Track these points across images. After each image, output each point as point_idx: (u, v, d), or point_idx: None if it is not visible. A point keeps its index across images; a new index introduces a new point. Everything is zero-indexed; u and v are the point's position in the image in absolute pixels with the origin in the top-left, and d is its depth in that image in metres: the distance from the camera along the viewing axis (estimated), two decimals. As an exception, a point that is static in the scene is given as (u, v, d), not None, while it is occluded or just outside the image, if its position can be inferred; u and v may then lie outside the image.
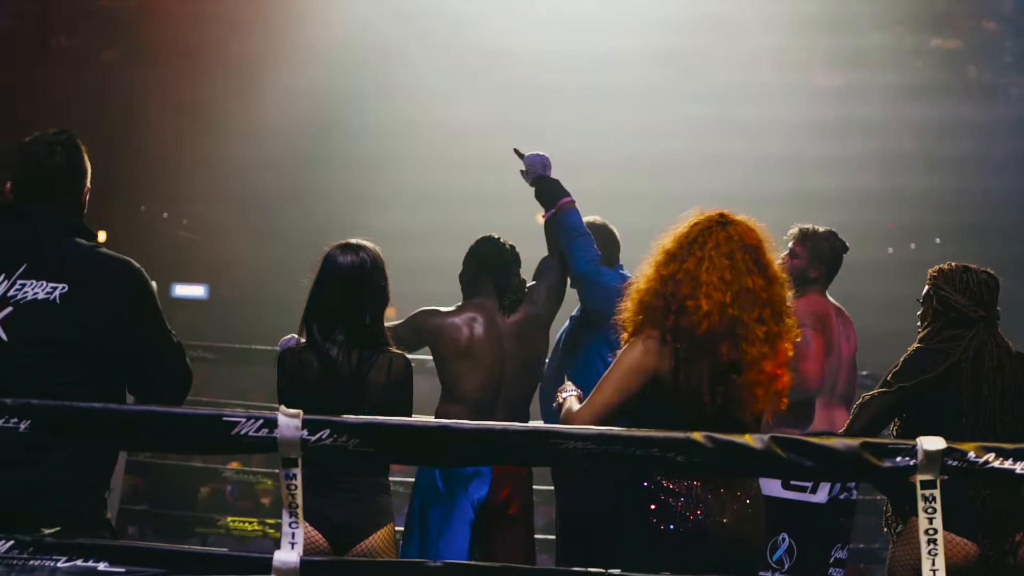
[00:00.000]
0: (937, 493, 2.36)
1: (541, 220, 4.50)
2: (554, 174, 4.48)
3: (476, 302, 4.32)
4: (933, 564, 2.37)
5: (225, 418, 2.44)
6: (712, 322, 2.97)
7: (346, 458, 2.43)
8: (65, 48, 12.24)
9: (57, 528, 2.73)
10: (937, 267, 3.82)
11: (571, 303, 4.53)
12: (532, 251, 4.47)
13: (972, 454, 2.36)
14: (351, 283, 3.48)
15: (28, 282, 2.87)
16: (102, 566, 2.41)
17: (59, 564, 2.42)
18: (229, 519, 7.17)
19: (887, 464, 2.38)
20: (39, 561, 2.42)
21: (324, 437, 2.41)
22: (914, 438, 2.38)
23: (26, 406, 2.46)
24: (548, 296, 4.38)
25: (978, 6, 11.84)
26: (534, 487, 4.46)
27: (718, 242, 3.04)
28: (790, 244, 4.68)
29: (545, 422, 4.28)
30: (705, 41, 10.94)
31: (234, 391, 10.77)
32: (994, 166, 11.41)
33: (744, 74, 11.21)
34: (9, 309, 2.85)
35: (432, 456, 2.80)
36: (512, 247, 4.39)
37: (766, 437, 2.41)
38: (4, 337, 2.83)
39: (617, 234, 4.62)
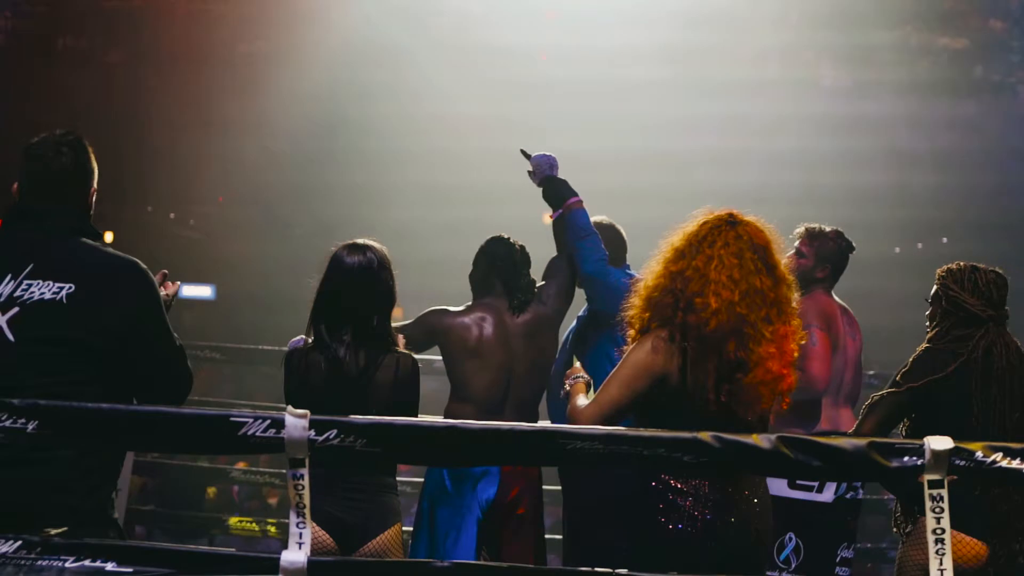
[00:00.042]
0: (945, 493, 2.35)
1: (548, 220, 4.50)
2: (561, 170, 4.48)
3: (485, 302, 4.32)
4: (941, 564, 2.36)
5: (232, 418, 2.44)
6: (720, 320, 2.98)
7: (353, 458, 2.43)
8: (72, 49, 12.26)
9: (64, 528, 2.74)
10: (946, 267, 3.81)
11: (578, 303, 4.53)
12: (539, 248, 4.48)
13: (980, 454, 2.36)
14: (358, 283, 3.49)
15: (35, 282, 2.87)
16: (110, 566, 2.42)
17: (67, 564, 2.42)
18: (234, 519, 7.18)
19: (895, 464, 2.37)
20: (47, 561, 2.42)
21: (331, 437, 2.41)
22: (923, 438, 2.38)
23: (33, 406, 2.46)
24: (557, 296, 4.38)
25: (986, 5, 11.82)
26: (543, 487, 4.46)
27: (727, 241, 3.05)
28: (796, 244, 4.67)
29: (552, 422, 4.28)
30: (713, 38, 10.93)
31: (241, 391, 10.79)
32: (1001, 164, 11.40)
33: (752, 71, 11.21)
34: (16, 309, 2.85)
35: (439, 456, 2.80)
36: (522, 247, 4.39)
37: (773, 437, 2.41)
38: (11, 337, 2.83)
39: (624, 234, 4.62)
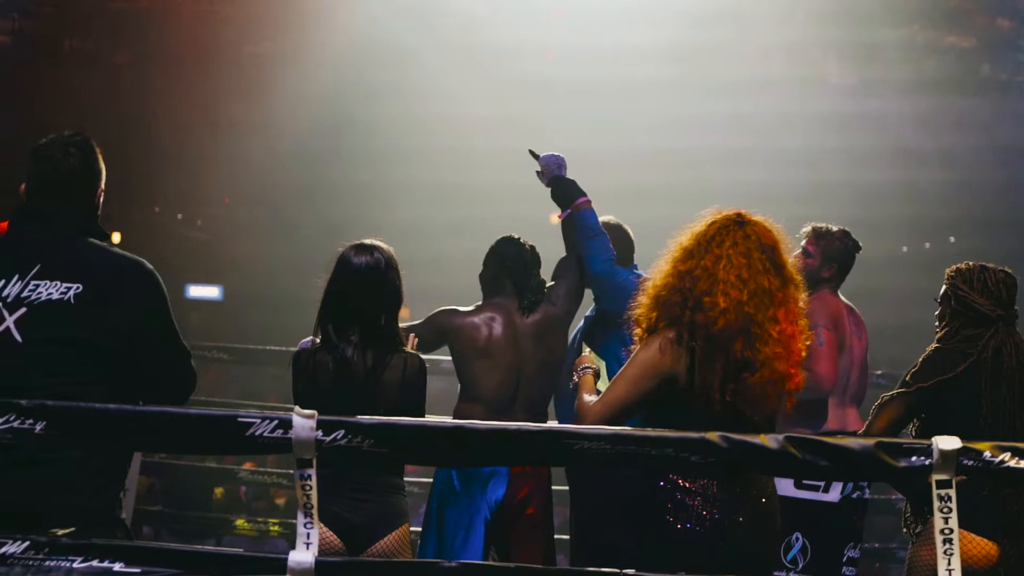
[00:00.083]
0: (953, 493, 2.35)
1: (555, 220, 4.50)
2: (568, 169, 4.48)
3: (495, 302, 4.33)
4: (949, 564, 2.36)
5: (240, 419, 2.44)
6: (729, 319, 2.98)
7: (360, 459, 2.43)
8: (79, 50, 12.28)
9: (71, 528, 2.74)
10: (955, 267, 3.80)
11: (586, 303, 4.53)
12: (545, 247, 4.48)
13: (988, 454, 2.35)
14: (365, 284, 3.49)
15: (42, 283, 2.87)
16: (118, 566, 2.42)
17: (75, 564, 2.42)
18: (240, 520, 7.18)
19: (902, 464, 2.37)
20: (55, 562, 2.43)
21: (339, 438, 2.41)
22: (931, 438, 2.37)
23: (41, 407, 2.46)
24: (567, 297, 4.38)
25: (992, 4, 11.80)
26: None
27: (736, 241, 3.05)
28: (803, 243, 4.67)
29: (560, 422, 4.28)
30: (720, 37, 10.93)
31: (249, 392, 10.80)
32: (1008, 162, 11.38)
33: (758, 69, 11.20)
34: (23, 310, 2.85)
35: (446, 456, 2.80)
36: (532, 247, 4.40)
37: (781, 437, 2.41)
38: (18, 338, 2.83)
39: (631, 234, 4.62)
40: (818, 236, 4.68)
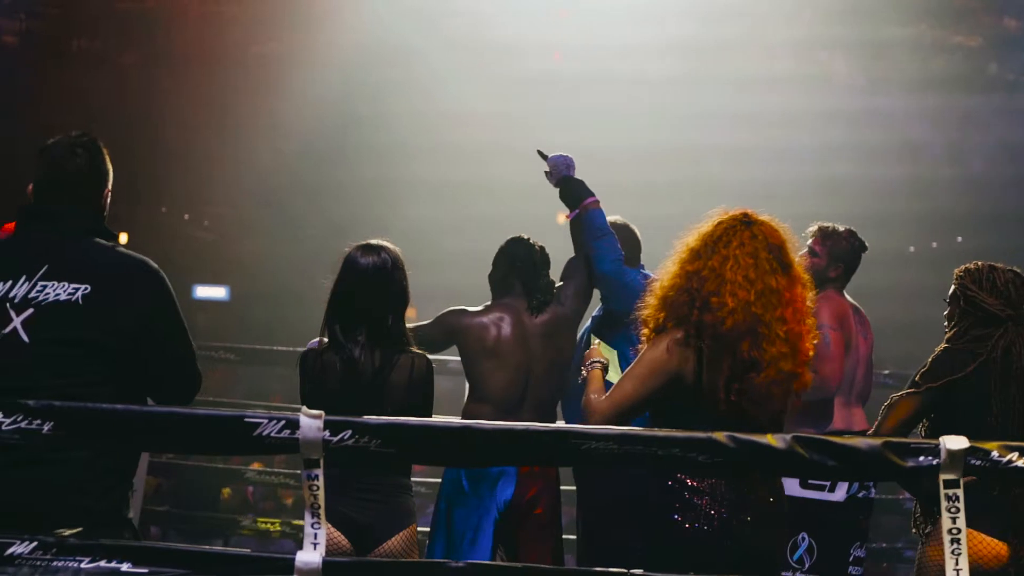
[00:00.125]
0: (960, 493, 2.34)
1: (563, 220, 4.50)
2: (576, 165, 4.48)
3: (504, 302, 4.33)
4: (957, 563, 2.35)
5: (247, 419, 2.44)
6: (736, 320, 2.98)
7: (368, 459, 2.43)
8: (86, 50, 12.29)
9: (79, 528, 2.74)
10: (963, 266, 3.79)
11: (594, 303, 4.53)
12: (551, 246, 4.48)
13: (995, 453, 2.35)
14: (372, 284, 3.49)
15: (50, 283, 2.88)
16: (125, 567, 2.42)
17: (83, 565, 2.43)
18: (247, 520, 7.19)
19: (910, 464, 2.37)
20: (62, 562, 2.43)
21: (346, 438, 2.41)
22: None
23: (49, 407, 2.46)
24: (575, 297, 4.39)
25: (1000, 3, 11.78)
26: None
27: (743, 241, 3.05)
28: (809, 243, 4.66)
29: (568, 422, 4.28)
30: (727, 34, 10.92)
31: (255, 392, 10.80)
32: (1015, 159, 11.37)
33: (765, 67, 11.19)
34: (31, 311, 2.85)
35: (453, 456, 2.80)
36: (542, 248, 4.40)
37: (788, 437, 2.41)
38: (26, 338, 2.84)
39: (638, 234, 4.61)
40: (824, 236, 4.67)
